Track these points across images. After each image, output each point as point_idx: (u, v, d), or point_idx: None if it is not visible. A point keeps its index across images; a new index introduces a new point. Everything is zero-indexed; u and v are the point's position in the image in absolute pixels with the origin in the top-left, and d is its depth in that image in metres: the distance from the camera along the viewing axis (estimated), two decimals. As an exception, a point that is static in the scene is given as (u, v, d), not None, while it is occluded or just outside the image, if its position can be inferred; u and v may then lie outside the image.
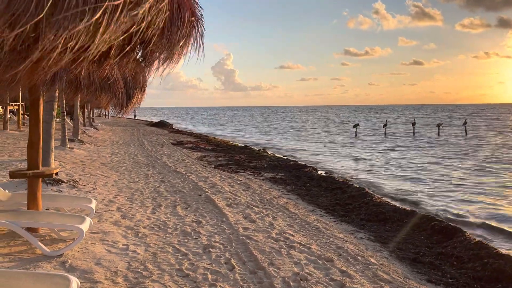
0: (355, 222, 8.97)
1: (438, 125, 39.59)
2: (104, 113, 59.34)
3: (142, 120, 67.85)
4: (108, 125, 40.46)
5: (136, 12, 1.88)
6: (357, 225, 8.71)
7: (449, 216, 10.03)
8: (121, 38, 2.20)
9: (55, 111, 8.95)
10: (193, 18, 2.43)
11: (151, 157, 16.87)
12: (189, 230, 6.75)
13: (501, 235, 8.56)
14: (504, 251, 6.94)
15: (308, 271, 5.32)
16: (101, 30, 1.69)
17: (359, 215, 9.46)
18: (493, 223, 9.30)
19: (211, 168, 14.97)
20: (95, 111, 45.14)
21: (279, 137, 37.59)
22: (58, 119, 19.11)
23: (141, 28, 2.14)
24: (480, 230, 8.85)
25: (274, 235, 6.78)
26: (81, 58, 2.06)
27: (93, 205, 6.52)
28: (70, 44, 1.69)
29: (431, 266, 6.44)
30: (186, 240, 6.24)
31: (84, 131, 25.74)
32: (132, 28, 2.00)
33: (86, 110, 31.62)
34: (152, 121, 58.09)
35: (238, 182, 12.28)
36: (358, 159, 21.43)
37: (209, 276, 4.97)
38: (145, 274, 4.88)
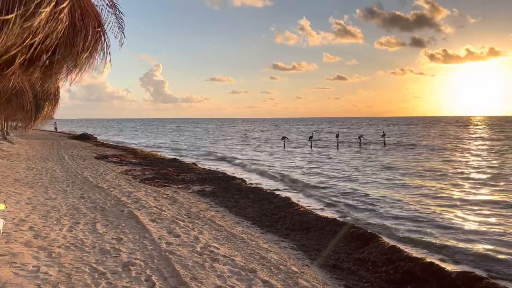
0: (280, 231, 9.16)
1: (360, 137, 41.90)
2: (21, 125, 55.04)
3: (64, 132, 64.01)
4: (25, 138, 37.61)
5: (31, 23, 1.80)
6: (282, 234, 8.91)
7: (367, 222, 10.57)
8: (20, 47, 2.09)
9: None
10: (99, 29, 2.37)
11: (71, 172, 15.96)
12: (109, 248, 6.46)
13: (413, 239, 9.17)
14: (414, 254, 7.48)
15: (231, 283, 5.32)
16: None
17: (284, 225, 9.68)
18: (406, 227, 9.97)
19: (136, 183, 14.49)
20: (10, 123, 41.77)
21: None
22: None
23: (40, 38, 2.04)
24: (394, 234, 9.42)
25: (198, 249, 6.72)
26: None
27: (0, 225, 6.00)
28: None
29: (349, 271, 6.74)
30: (104, 259, 5.97)
31: (-4, 145, 23.71)
32: (29, 39, 1.91)
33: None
34: (74, 134, 54.98)
35: (165, 196, 12.02)
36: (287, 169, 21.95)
37: (128, 294, 4.78)
38: (57, 297, 4.58)
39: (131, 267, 5.65)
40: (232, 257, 6.39)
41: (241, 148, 39.21)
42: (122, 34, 4.36)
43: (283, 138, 40.10)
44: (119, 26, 4.40)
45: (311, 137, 41.12)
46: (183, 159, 25.96)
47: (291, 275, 5.91)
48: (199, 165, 21.90)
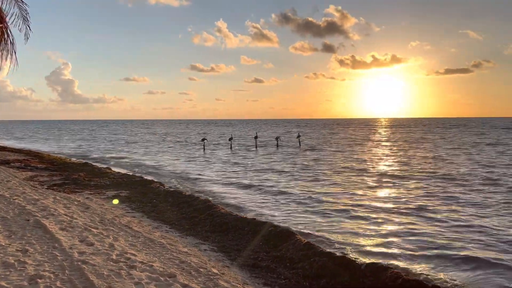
0: (200, 234, 9.13)
1: (277, 138, 43.14)
2: None
3: (-44, 136, 57.24)
4: None
5: None
6: (202, 237, 8.88)
7: (284, 220, 10.92)
8: None
9: None
10: (1, 25, 2.17)
11: (-35, 179, 14.35)
12: (12, 261, 5.93)
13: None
14: (327, 249, 7.89)
15: (150, 290, 5.19)
16: None
17: (204, 227, 9.66)
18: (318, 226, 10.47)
19: (43, 189, 13.47)
20: None
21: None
22: None
23: None
24: (308, 232, 9.84)
25: (114, 257, 6.44)
26: None
27: None
28: None
29: (268, 269, 6.94)
30: (8, 273, 5.47)
31: None
32: None
33: None
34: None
35: (76, 202, 11.33)
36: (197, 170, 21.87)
37: (35, 310, 4.44)
38: (-50, 320, 4.11)
39: (39, 280, 5.25)
40: (150, 263, 6.23)
41: (157, 151, 38.24)
42: (28, 28, 4.03)
43: (203, 140, 39.89)
44: (23, 19, 4.04)
45: (231, 138, 41.40)
46: (95, 163, 24.66)
47: (211, 277, 5.92)
48: (113, 170, 20.95)
